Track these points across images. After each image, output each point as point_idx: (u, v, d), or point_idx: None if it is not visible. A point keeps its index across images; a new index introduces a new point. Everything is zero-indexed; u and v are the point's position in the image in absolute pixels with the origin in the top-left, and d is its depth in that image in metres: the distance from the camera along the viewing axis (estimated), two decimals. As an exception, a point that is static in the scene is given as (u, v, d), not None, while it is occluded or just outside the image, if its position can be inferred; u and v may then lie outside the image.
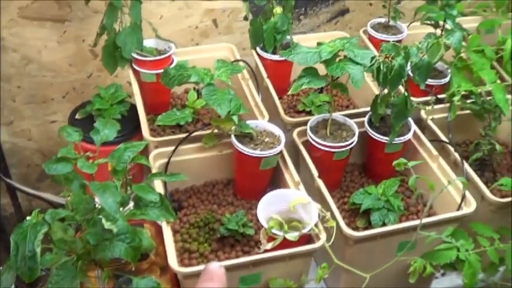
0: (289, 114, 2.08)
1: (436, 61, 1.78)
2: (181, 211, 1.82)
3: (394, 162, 1.53)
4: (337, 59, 1.71)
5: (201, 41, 2.43)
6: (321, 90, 2.15)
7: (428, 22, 2.05)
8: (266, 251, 1.51)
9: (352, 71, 1.66)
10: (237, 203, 1.86)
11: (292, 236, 1.49)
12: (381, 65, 1.66)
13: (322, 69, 1.72)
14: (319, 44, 1.73)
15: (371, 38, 2.29)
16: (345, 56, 1.70)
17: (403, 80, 1.71)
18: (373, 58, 1.68)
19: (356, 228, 1.77)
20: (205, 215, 1.77)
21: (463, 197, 1.74)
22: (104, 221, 1.35)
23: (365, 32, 2.33)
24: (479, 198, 1.80)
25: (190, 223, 1.77)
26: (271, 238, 1.50)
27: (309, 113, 2.06)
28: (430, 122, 1.99)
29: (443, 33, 2.01)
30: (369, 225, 1.76)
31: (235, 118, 1.71)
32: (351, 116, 1.93)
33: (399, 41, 2.26)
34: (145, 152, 1.83)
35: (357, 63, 1.68)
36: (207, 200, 1.87)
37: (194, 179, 1.89)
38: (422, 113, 2.00)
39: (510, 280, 1.86)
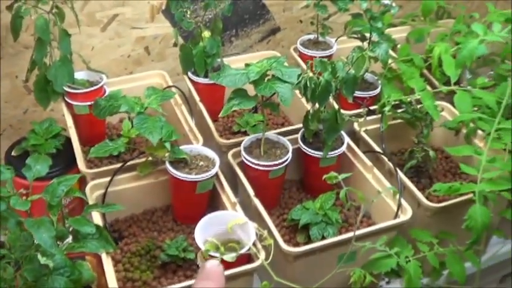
0: (225, 136, 2.09)
1: (362, 74, 1.81)
2: (122, 241, 1.81)
3: (325, 176, 1.55)
4: (266, 79, 1.73)
5: (134, 69, 2.43)
6: (255, 110, 2.17)
7: (355, 36, 2.08)
8: (205, 274, 1.51)
9: (281, 90, 1.68)
10: (177, 229, 1.86)
11: (229, 257, 1.49)
12: (308, 82, 1.68)
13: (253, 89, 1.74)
14: (247, 65, 1.75)
15: (301, 55, 2.31)
16: (273, 75, 1.72)
17: (331, 95, 1.73)
18: (299, 75, 1.70)
19: (297, 244, 1.78)
20: (146, 243, 1.77)
21: (399, 205, 1.76)
22: (39, 256, 1.35)
23: (295, 49, 2.36)
24: (416, 205, 1.83)
25: (132, 252, 1.76)
26: (209, 261, 1.50)
27: (245, 134, 2.07)
28: (363, 134, 2.02)
29: (370, 45, 2.04)
30: (309, 240, 1.76)
31: (167, 145, 1.72)
32: (285, 134, 1.95)
33: (329, 56, 2.30)
34: (84, 184, 1.84)
35: (285, 82, 1.70)
36: (147, 228, 1.86)
37: (133, 208, 1.89)
38: (356, 126, 2.03)
39: (454, 283, 1.89)
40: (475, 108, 2.03)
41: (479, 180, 1.72)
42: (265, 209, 1.76)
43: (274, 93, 1.69)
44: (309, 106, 1.85)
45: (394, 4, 2.03)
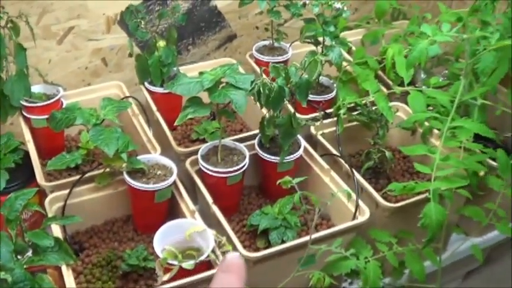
0: (184, 144, 2.10)
1: (314, 78, 1.82)
2: (83, 252, 1.82)
3: (279, 181, 1.56)
4: (221, 86, 1.74)
5: (92, 81, 2.43)
6: (213, 117, 2.18)
7: (309, 40, 2.09)
8: (164, 282, 1.52)
9: (235, 97, 1.69)
10: (138, 238, 1.87)
11: (188, 264, 1.51)
12: (261, 88, 1.69)
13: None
14: (201, 73, 1.76)
15: (257, 61, 2.33)
16: (227, 83, 1.73)
17: (285, 100, 1.75)
18: (253, 82, 1.71)
19: (257, 249, 1.79)
20: (107, 254, 1.78)
21: (357, 207, 1.78)
22: (-3, 271, 1.36)
23: (251, 55, 2.38)
24: (374, 205, 1.85)
25: (93, 263, 1.77)
26: (167, 269, 1.51)
27: (204, 141, 2.08)
28: (320, 137, 2.03)
29: (323, 50, 2.06)
30: (269, 245, 1.77)
31: (124, 155, 1.72)
32: (243, 140, 1.96)
33: (285, 61, 2.31)
34: (45, 197, 1.84)
35: (239, 89, 1.71)
36: (108, 239, 1.87)
37: (94, 219, 1.90)
38: (312, 129, 2.04)
39: (416, 281, 1.91)
40: (431, 108, 2.06)
41: (433, 179, 1.74)
42: (225, 216, 1.77)
43: (225, 101, 1.70)
44: (265, 112, 1.86)
45: (346, 8, 2.05)
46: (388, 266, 1.86)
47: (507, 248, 2.70)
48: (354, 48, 2.41)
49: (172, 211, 1.84)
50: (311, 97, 2.12)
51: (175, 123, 1.76)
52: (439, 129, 2.00)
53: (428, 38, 1.78)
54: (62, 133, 2.09)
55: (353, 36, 2.56)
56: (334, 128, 2.07)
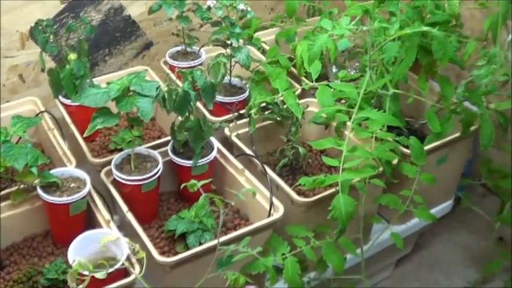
0: (102, 155, 2.11)
1: (219, 80, 1.84)
2: (3, 270, 1.81)
3: (185, 184, 1.58)
4: (129, 95, 1.75)
5: (11, 97, 2.42)
6: (131, 126, 2.18)
7: (218, 43, 2.11)
8: (79, 293, 1.53)
9: (141, 104, 1.71)
10: (58, 252, 1.87)
11: (100, 274, 1.51)
12: (166, 94, 1.71)
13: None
14: (108, 83, 1.77)
15: (171, 67, 2.34)
16: (134, 91, 1.74)
17: (192, 104, 1.76)
18: (157, 88, 1.73)
19: (177, 254, 1.80)
20: (27, 270, 1.78)
21: (271, 205, 1.81)
22: None
23: (166, 62, 2.38)
24: (290, 202, 1.87)
25: (14, 280, 1.76)
26: (80, 280, 1.52)
27: (121, 151, 2.08)
28: (234, 138, 2.05)
29: (231, 51, 2.08)
30: (188, 249, 1.79)
31: (34, 170, 1.72)
32: (159, 146, 1.98)
33: (200, 65, 2.32)
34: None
35: (145, 96, 1.72)
36: (28, 255, 1.87)
37: (13, 236, 1.89)
38: (227, 131, 2.05)
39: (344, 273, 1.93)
40: (343, 101, 2.09)
41: (341, 171, 1.76)
42: (144, 222, 1.79)
43: (131, 109, 1.72)
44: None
45: (249, 9, 2.07)
46: (312, 261, 1.88)
47: (434, 232, 2.76)
48: (267, 47, 2.43)
49: (89, 222, 1.85)
50: (224, 99, 2.15)
51: (85, 134, 1.77)
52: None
53: (327, 32, 1.80)
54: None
55: (268, 36, 2.58)
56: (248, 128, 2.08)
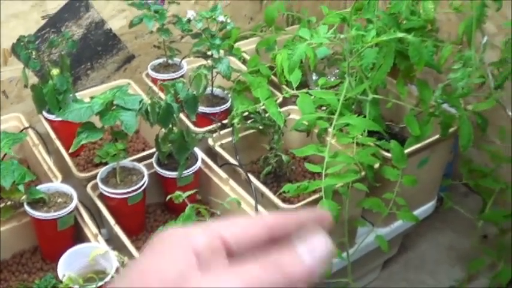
0: (87, 170, 2.12)
1: (201, 92, 1.87)
2: (-7, 288, 1.84)
3: (170, 196, 1.61)
4: (112, 109, 1.77)
5: (-5, 114, 2.44)
6: (116, 139, 2.20)
7: (199, 55, 2.14)
8: (70, 308, 1.55)
9: (125, 118, 1.73)
10: (47, 267, 1.89)
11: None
12: (148, 107, 1.74)
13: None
14: (92, 97, 1.79)
15: (154, 80, 2.36)
16: (117, 105, 1.77)
17: (175, 116, 1.79)
18: (141, 101, 1.75)
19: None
20: (17, 286, 1.80)
21: (256, 212, 1.83)
22: None
23: (148, 74, 2.41)
24: (275, 209, 1.89)
25: (4, 297, 1.79)
26: (70, 295, 1.54)
27: (106, 164, 2.10)
28: (218, 148, 2.07)
29: (212, 62, 2.11)
30: (176, 260, 1.81)
31: (21, 187, 1.75)
32: (144, 158, 2.00)
33: (182, 77, 2.35)
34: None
35: (129, 110, 1.75)
36: (17, 271, 1.88)
37: (1, 254, 1.90)
38: (210, 141, 2.08)
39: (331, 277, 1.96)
40: (324, 108, 2.11)
41: (324, 176, 1.79)
42: (132, 235, 1.81)
43: (115, 123, 1.74)
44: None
45: (229, 20, 2.10)
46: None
47: (419, 233, 2.80)
48: (248, 57, 2.46)
49: (78, 237, 1.87)
50: (207, 109, 2.17)
51: (70, 150, 1.79)
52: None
53: (305, 41, 1.84)
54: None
55: (249, 45, 2.61)
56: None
